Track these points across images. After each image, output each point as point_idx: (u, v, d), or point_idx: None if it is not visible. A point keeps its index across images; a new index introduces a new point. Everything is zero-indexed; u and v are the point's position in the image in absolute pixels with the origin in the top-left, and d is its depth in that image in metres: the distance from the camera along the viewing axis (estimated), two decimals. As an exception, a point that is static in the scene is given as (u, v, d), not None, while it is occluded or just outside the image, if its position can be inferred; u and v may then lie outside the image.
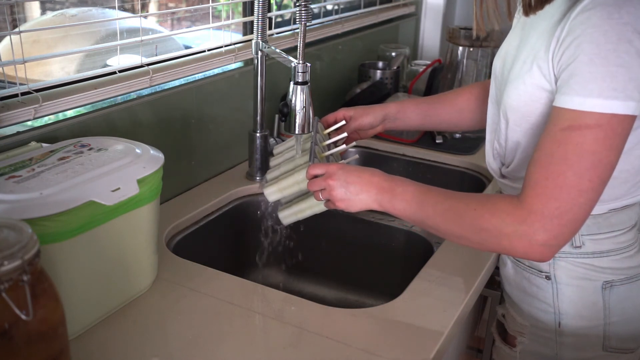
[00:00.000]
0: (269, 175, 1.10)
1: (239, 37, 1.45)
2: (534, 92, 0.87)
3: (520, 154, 0.95)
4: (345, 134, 1.12)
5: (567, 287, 0.97)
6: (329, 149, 1.10)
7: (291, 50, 1.49)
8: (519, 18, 0.99)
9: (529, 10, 0.87)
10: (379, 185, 0.92)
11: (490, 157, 1.04)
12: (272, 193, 1.06)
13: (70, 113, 1.04)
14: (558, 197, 0.78)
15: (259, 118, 1.30)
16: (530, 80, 0.87)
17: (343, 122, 1.18)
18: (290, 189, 1.04)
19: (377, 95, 1.72)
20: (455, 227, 0.86)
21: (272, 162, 1.16)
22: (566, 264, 0.96)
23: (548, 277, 0.98)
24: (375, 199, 0.93)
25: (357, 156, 1.14)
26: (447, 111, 1.22)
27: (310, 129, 1.13)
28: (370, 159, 1.60)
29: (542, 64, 0.85)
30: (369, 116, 1.19)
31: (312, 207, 1.02)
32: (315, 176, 0.97)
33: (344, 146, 1.14)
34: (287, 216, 1.05)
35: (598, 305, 0.96)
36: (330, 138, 1.14)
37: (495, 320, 1.13)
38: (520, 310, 1.04)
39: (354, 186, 0.93)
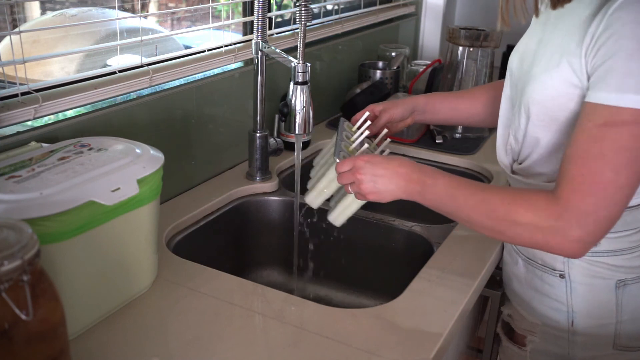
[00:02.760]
0: (308, 185, 1.11)
1: (239, 37, 1.45)
2: (561, 87, 0.86)
3: (539, 150, 0.94)
4: (368, 123, 1.10)
5: (581, 286, 0.97)
6: (362, 145, 1.09)
7: (291, 50, 1.49)
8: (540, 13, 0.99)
9: (557, 3, 0.86)
10: (407, 177, 0.93)
11: (502, 153, 1.04)
12: (314, 198, 1.07)
13: (70, 113, 1.04)
14: (595, 193, 0.79)
15: (259, 118, 1.30)
16: (558, 75, 0.86)
17: (367, 119, 1.14)
18: (329, 188, 1.05)
19: (377, 95, 1.72)
20: (488, 220, 0.87)
21: (311, 173, 1.16)
22: (581, 262, 0.96)
23: (562, 276, 0.97)
24: (405, 190, 0.93)
25: (389, 151, 1.12)
26: (475, 106, 1.22)
27: (311, 129, 1.14)
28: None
29: (573, 59, 0.84)
30: (398, 108, 1.19)
31: (356, 200, 1.01)
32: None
33: (364, 139, 1.14)
34: (336, 217, 1.05)
35: (611, 304, 0.96)
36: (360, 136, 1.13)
37: (501, 320, 1.13)
38: (532, 309, 1.04)
39: (382, 179, 0.93)
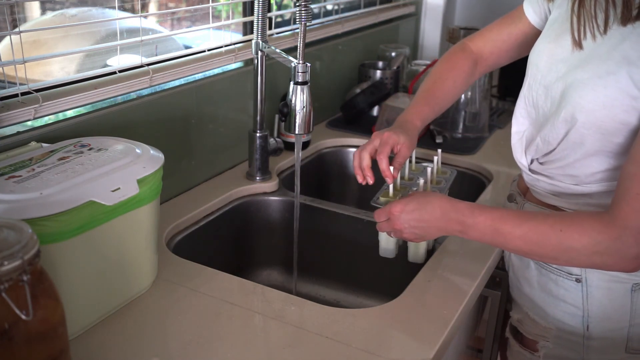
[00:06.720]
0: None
1: (239, 37, 1.45)
2: (616, 96, 0.84)
3: (575, 155, 0.92)
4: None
5: (598, 290, 0.96)
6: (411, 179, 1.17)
7: (291, 50, 1.49)
8: (558, 16, 0.97)
9: (628, 20, 0.84)
10: (445, 218, 0.94)
11: (519, 153, 1.03)
12: (383, 250, 1.12)
13: (70, 113, 1.05)
14: None
15: (259, 118, 1.30)
16: (615, 84, 0.84)
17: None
18: (390, 238, 1.09)
19: (377, 95, 1.72)
20: (540, 248, 0.87)
21: None
22: None
23: (578, 280, 0.97)
24: (446, 231, 0.96)
25: (423, 180, 1.09)
26: (448, 105, 1.21)
27: (311, 129, 1.14)
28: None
29: (635, 70, 0.82)
30: (413, 140, 1.11)
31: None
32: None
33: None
34: (412, 256, 1.12)
35: (625, 308, 0.95)
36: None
37: (509, 324, 1.12)
38: (545, 313, 1.03)
39: (420, 227, 0.96)
